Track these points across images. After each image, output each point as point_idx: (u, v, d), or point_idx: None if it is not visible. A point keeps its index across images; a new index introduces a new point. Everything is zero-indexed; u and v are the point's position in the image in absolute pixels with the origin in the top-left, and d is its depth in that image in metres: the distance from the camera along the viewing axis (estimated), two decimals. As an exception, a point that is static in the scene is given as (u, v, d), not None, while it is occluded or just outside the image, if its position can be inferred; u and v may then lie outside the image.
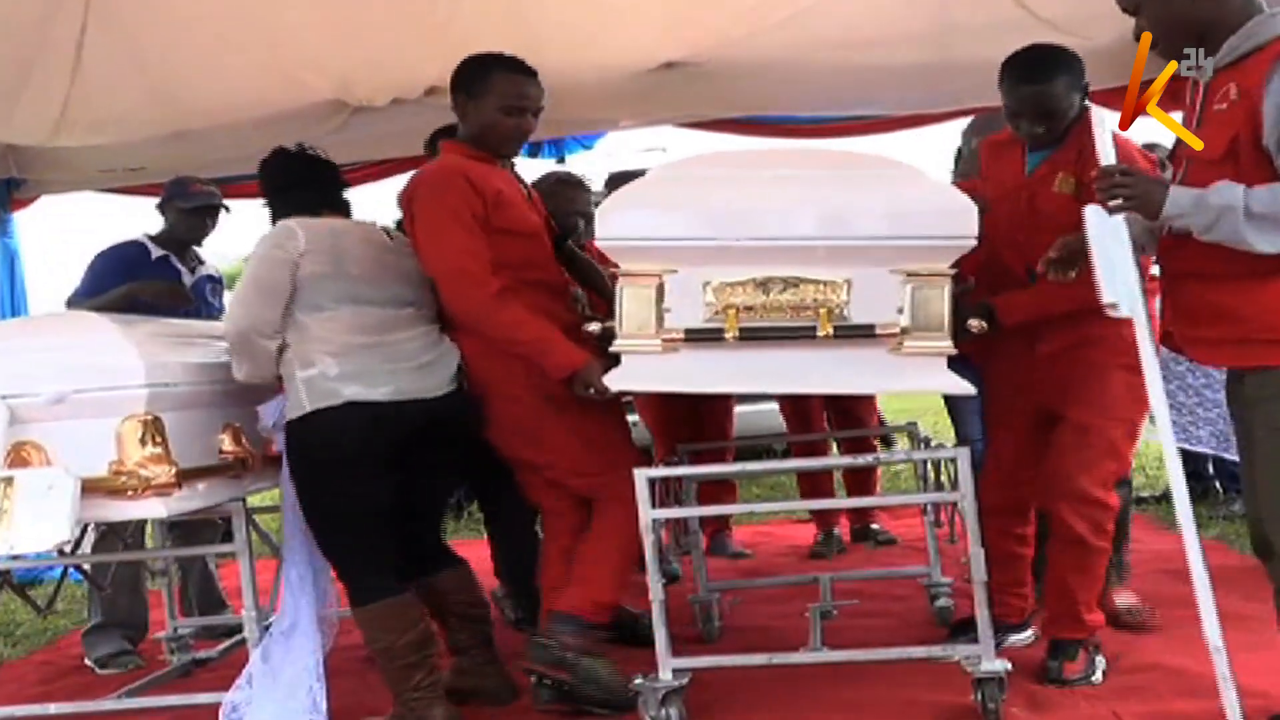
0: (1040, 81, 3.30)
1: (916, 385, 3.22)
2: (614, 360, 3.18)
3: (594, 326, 3.24)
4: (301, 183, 3.47)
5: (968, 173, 4.03)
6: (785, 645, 3.65)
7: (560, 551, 3.50)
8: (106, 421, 3.13)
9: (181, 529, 4.29)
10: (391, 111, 5.53)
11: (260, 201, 3.57)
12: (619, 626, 3.94)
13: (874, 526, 5.46)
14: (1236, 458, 2.90)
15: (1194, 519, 2.68)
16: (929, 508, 4.30)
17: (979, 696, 3.11)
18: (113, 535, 4.09)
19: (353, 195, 3.63)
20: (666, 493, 3.92)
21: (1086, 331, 3.27)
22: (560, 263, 3.62)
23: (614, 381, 3.17)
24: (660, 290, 3.12)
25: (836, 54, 5.28)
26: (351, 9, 4.79)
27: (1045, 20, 4.37)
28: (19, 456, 3.09)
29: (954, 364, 3.10)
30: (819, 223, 3.10)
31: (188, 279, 4.53)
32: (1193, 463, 5.06)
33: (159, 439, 3.16)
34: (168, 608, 4.34)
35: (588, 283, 3.73)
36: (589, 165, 7.03)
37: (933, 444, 4.26)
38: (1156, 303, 2.90)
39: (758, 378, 3.21)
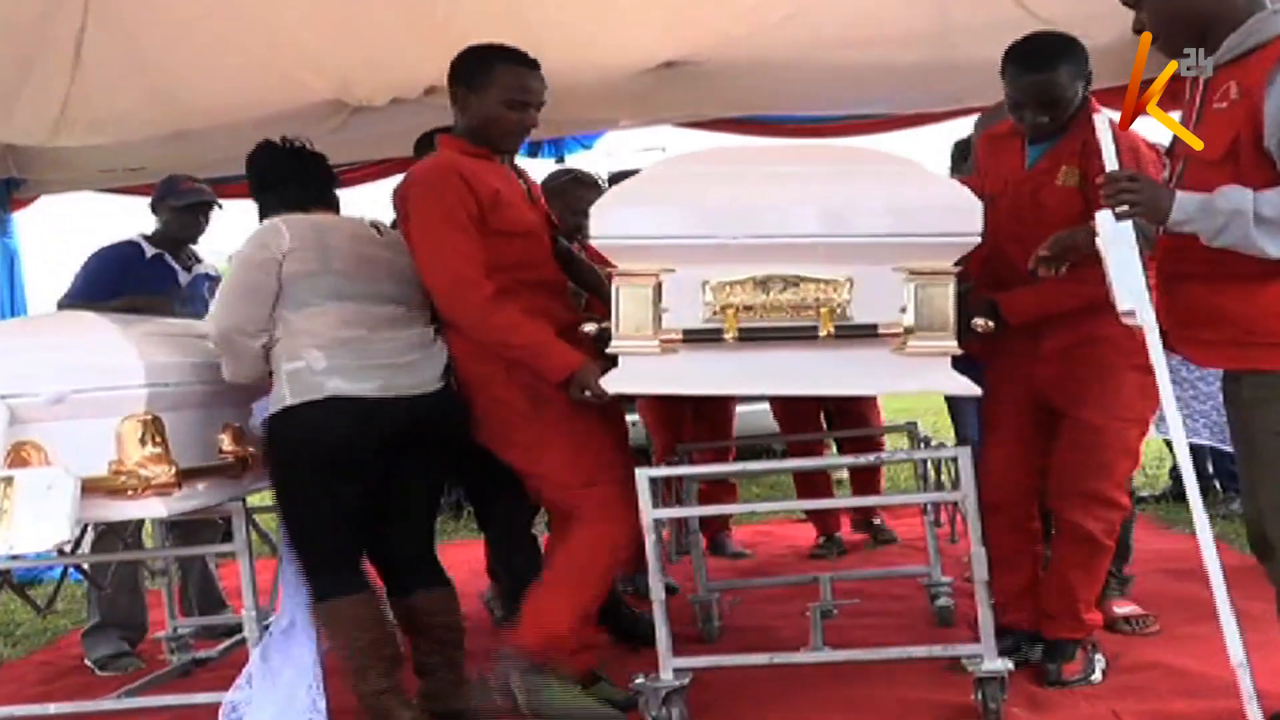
0: (1044, 70, 3.23)
1: (920, 386, 3.15)
2: (612, 361, 3.12)
3: (590, 327, 3.19)
4: (289, 178, 3.42)
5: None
6: (786, 645, 3.65)
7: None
8: (106, 421, 3.13)
9: (181, 529, 4.29)
10: (391, 111, 5.54)
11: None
12: (619, 628, 3.94)
13: (876, 521, 5.45)
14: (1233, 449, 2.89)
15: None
16: (929, 507, 4.30)
17: (979, 696, 3.10)
18: (112, 535, 4.09)
19: (352, 195, 3.60)
20: (668, 492, 3.93)
21: (1092, 329, 3.23)
22: (558, 262, 3.55)
23: (611, 384, 3.11)
24: (658, 290, 3.07)
25: (836, 53, 5.28)
26: (351, 9, 4.80)
27: (1045, 20, 4.37)
28: (19, 456, 3.09)
29: (956, 363, 3.06)
30: (820, 220, 3.05)
31: (183, 278, 4.52)
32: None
33: (159, 439, 3.16)
34: (167, 607, 4.34)
35: (583, 283, 3.68)
36: (588, 165, 7.01)
37: (933, 443, 4.25)
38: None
39: (758, 379, 3.16)
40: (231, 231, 4.84)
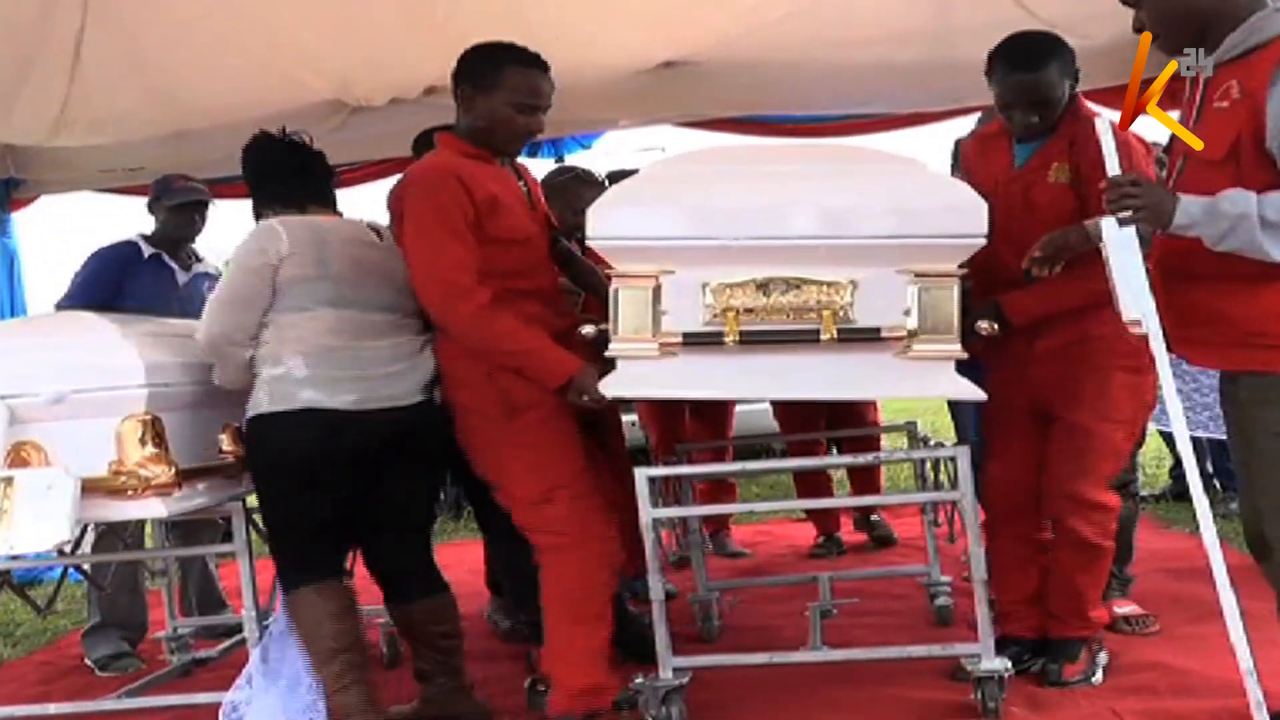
0: (1033, 69, 3.22)
1: (925, 391, 3.11)
2: (610, 365, 3.08)
3: (588, 329, 3.14)
4: (286, 173, 3.36)
5: None
6: (785, 644, 3.66)
7: None
8: (106, 421, 3.13)
9: (181, 529, 4.30)
10: (390, 111, 5.54)
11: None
12: (624, 641, 3.91)
13: (874, 519, 5.43)
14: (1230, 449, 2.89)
15: (1196, 522, 2.65)
16: (928, 507, 4.30)
17: (979, 695, 3.11)
18: (112, 535, 4.10)
19: (351, 195, 3.57)
20: (667, 492, 3.93)
21: (1086, 329, 3.23)
22: (556, 263, 3.52)
23: (609, 388, 3.06)
24: (657, 292, 3.02)
25: (835, 52, 5.29)
26: (350, 9, 4.79)
27: (1044, 20, 4.37)
28: (19, 456, 3.09)
29: (958, 366, 3.03)
30: (822, 221, 3.00)
31: (181, 277, 4.52)
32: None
33: (159, 439, 3.16)
34: (167, 608, 4.34)
35: (583, 284, 3.65)
36: (587, 165, 7.03)
37: (932, 443, 4.25)
38: None
39: (759, 383, 3.12)
40: (231, 232, 4.85)
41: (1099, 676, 3.35)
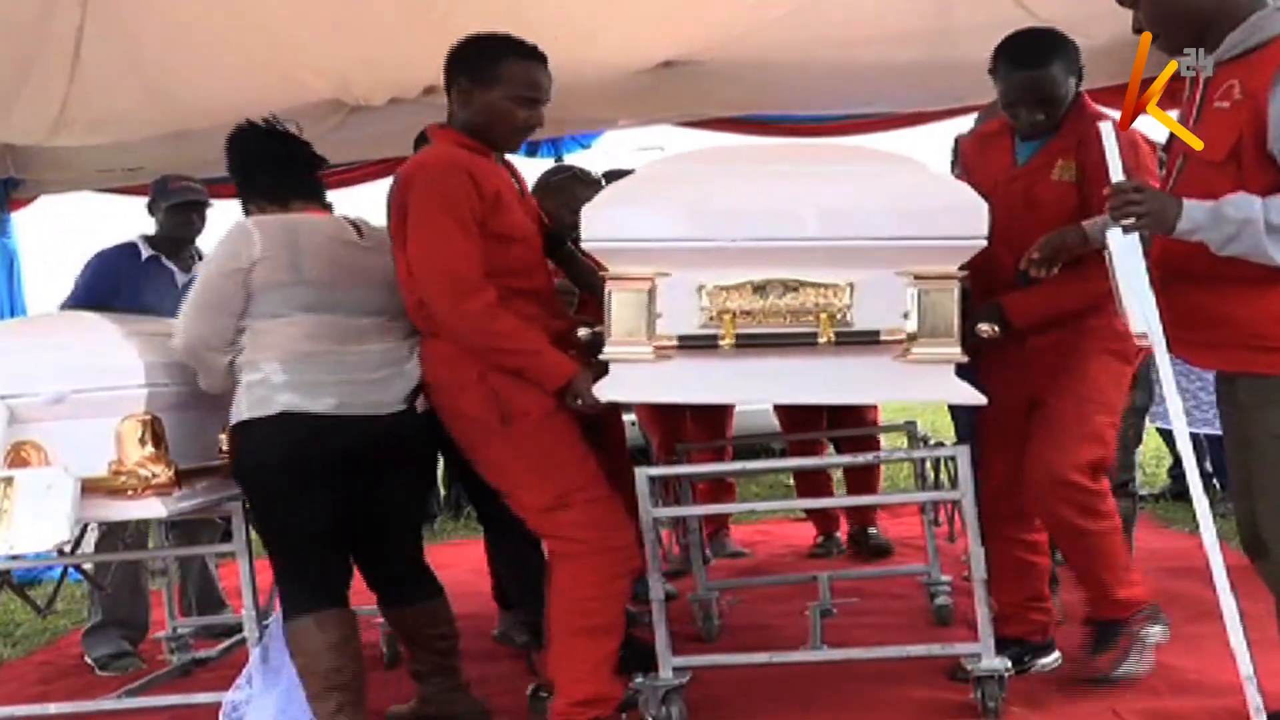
0: (1037, 66, 3.19)
1: (924, 395, 3.08)
2: (605, 368, 3.01)
3: (583, 332, 3.09)
4: (271, 165, 3.26)
5: None
6: (785, 644, 3.66)
7: None
8: (106, 421, 3.13)
9: (180, 528, 4.30)
10: (389, 111, 5.54)
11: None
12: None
13: (871, 530, 5.32)
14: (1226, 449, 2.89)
15: (1195, 521, 2.65)
16: (927, 506, 4.30)
17: (978, 694, 3.11)
18: (113, 535, 4.10)
19: (350, 195, 3.53)
20: (666, 492, 3.92)
21: (1079, 323, 3.21)
22: (558, 263, 3.49)
23: (603, 392, 2.99)
24: (651, 294, 2.97)
25: (836, 51, 5.29)
26: (350, 8, 4.79)
27: (1044, 19, 4.35)
28: (19, 456, 3.10)
29: (959, 367, 2.98)
30: (820, 222, 2.95)
31: (180, 278, 4.52)
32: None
33: (158, 439, 3.16)
34: (167, 607, 4.35)
35: (583, 284, 3.56)
36: (587, 165, 7.03)
37: (931, 442, 4.25)
38: None
39: (756, 387, 3.07)
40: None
41: (1140, 666, 3.24)
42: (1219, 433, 4.47)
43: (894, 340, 2.92)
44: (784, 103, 5.70)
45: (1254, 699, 2.57)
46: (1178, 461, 5.56)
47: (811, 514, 5.55)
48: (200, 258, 4.66)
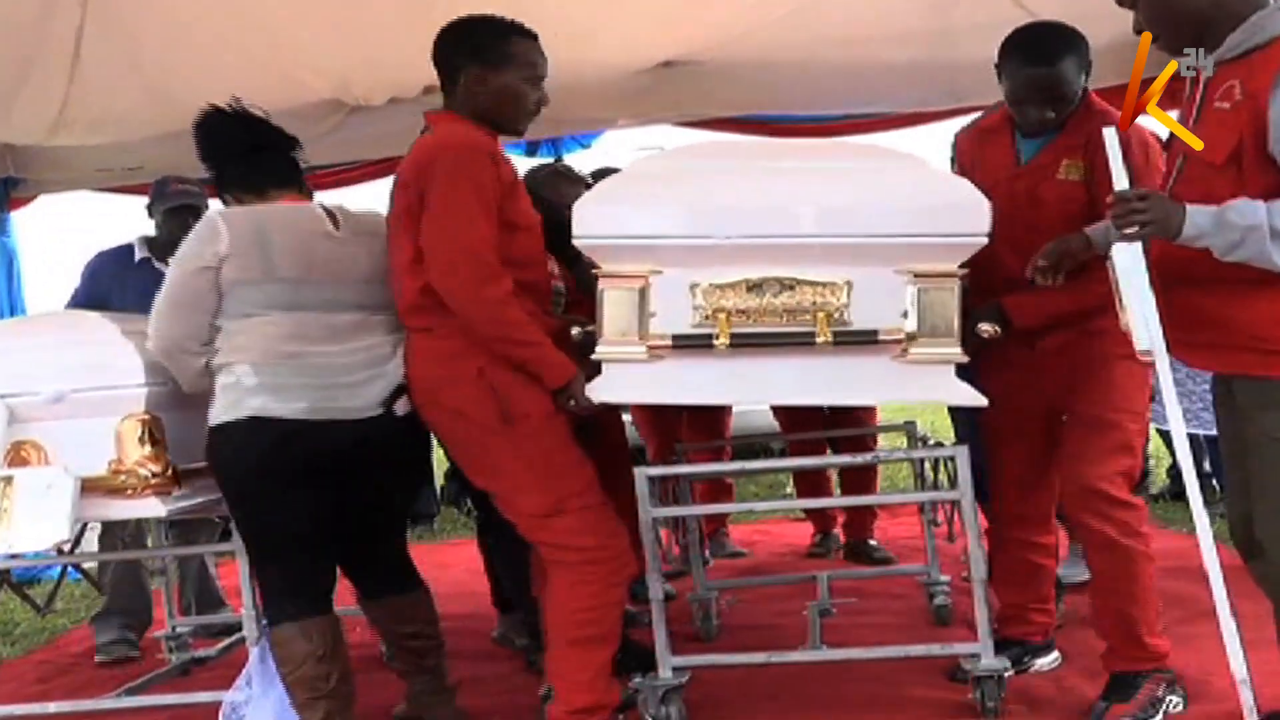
0: (1049, 63, 3.09)
1: (924, 396, 3.02)
2: (597, 368, 2.97)
3: (576, 332, 3.05)
4: (242, 153, 3.15)
5: None
6: (784, 644, 3.66)
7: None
8: (105, 420, 3.14)
9: (179, 528, 4.31)
10: (389, 110, 5.54)
11: None
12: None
13: (871, 542, 5.23)
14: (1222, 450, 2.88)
15: (1193, 522, 2.64)
16: (926, 506, 4.30)
17: (978, 694, 3.11)
18: (112, 534, 4.11)
19: (350, 195, 3.46)
20: (665, 493, 3.92)
21: (1089, 325, 3.12)
22: (566, 262, 3.44)
23: (596, 393, 2.94)
24: (645, 293, 2.92)
25: (835, 51, 5.28)
26: (349, 8, 4.79)
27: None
28: (18, 456, 3.11)
29: (959, 368, 2.94)
30: (817, 219, 2.90)
31: None
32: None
33: (157, 438, 3.17)
34: (166, 607, 4.35)
35: (586, 286, 3.41)
36: (587, 164, 7.04)
37: (930, 442, 4.25)
38: None
39: (751, 388, 3.01)
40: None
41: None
42: (1198, 432, 4.49)
43: (893, 340, 2.88)
44: (784, 103, 5.70)
45: (1247, 700, 2.57)
46: (1177, 462, 5.56)
47: (810, 512, 5.54)
48: None
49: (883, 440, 4.99)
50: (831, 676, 3.45)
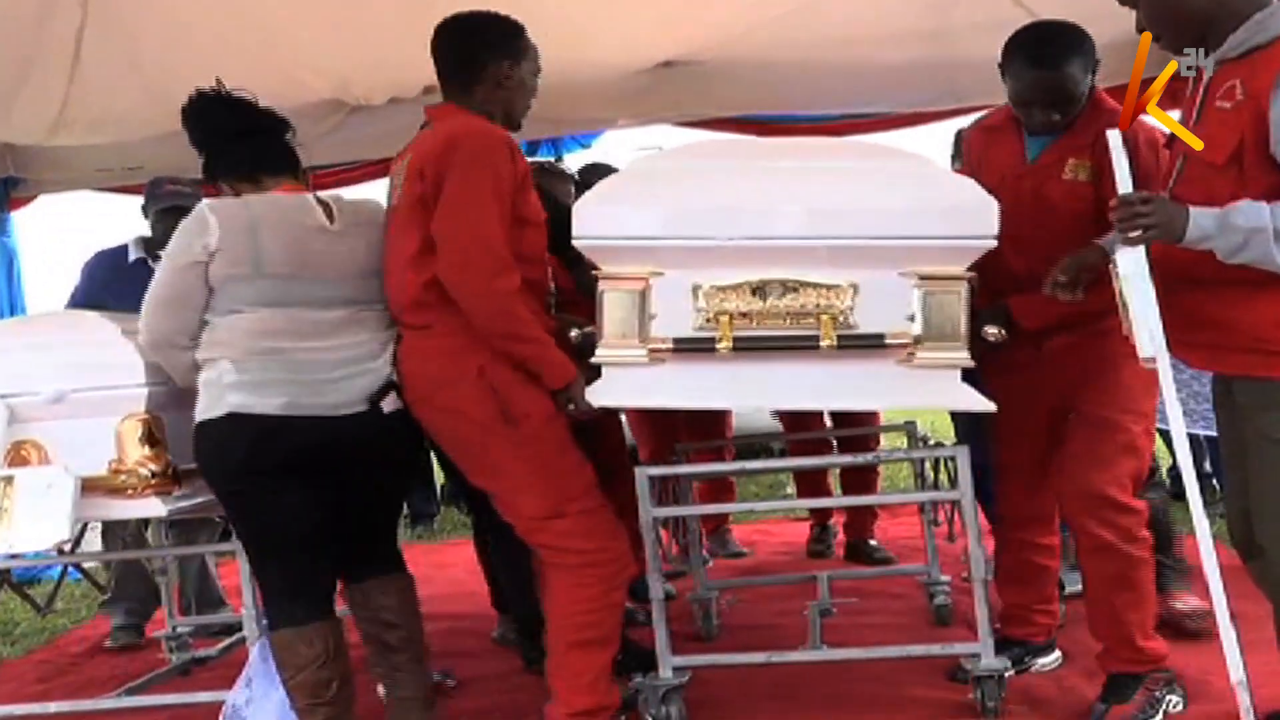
0: (1055, 65, 3.04)
1: (929, 401, 2.99)
2: (596, 372, 2.94)
3: (574, 334, 3.02)
4: (233, 140, 3.07)
5: None
6: (784, 643, 3.66)
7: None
8: (106, 420, 3.15)
9: (179, 527, 4.31)
10: (389, 110, 5.54)
11: None
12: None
13: (872, 543, 5.20)
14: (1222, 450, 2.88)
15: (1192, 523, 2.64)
16: (927, 506, 4.29)
17: (978, 694, 3.11)
18: (112, 533, 4.12)
19: (350, 195, 3.37)
20: (665, 493, 3.92)
21: (1096, 324, 3.05)
22: (567, 263, 3.41)
23: (595, 397, 2.91)
24: (645, 295, 2.88)
25: (835, 51, 5.28)
26: (349, 8, 4.79)
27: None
28: (19, 455, 3.12)
29: (964, 370, 2.90)
30: (821, 220, 2.85)
31: None
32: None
33: (158, 438, 3.17)
34: (167, 607, 4.35)
35: (586, 288, 3.33)
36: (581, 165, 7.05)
37: (931, 442, 4.25)
38: None
39: (754, 392, 2.97)
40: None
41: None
42: (1202, 432, 4.47)
43: (898, 344, 2.84)
44: (784, 103, 5.70)
45: (1244, 701, 2.57)
46: (1177, 462, 5.55)
47: (811, 509, 5.52)
48: None
49: (883, 440, 4.98)
50: (832, 676, 3.45)
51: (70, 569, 4.47)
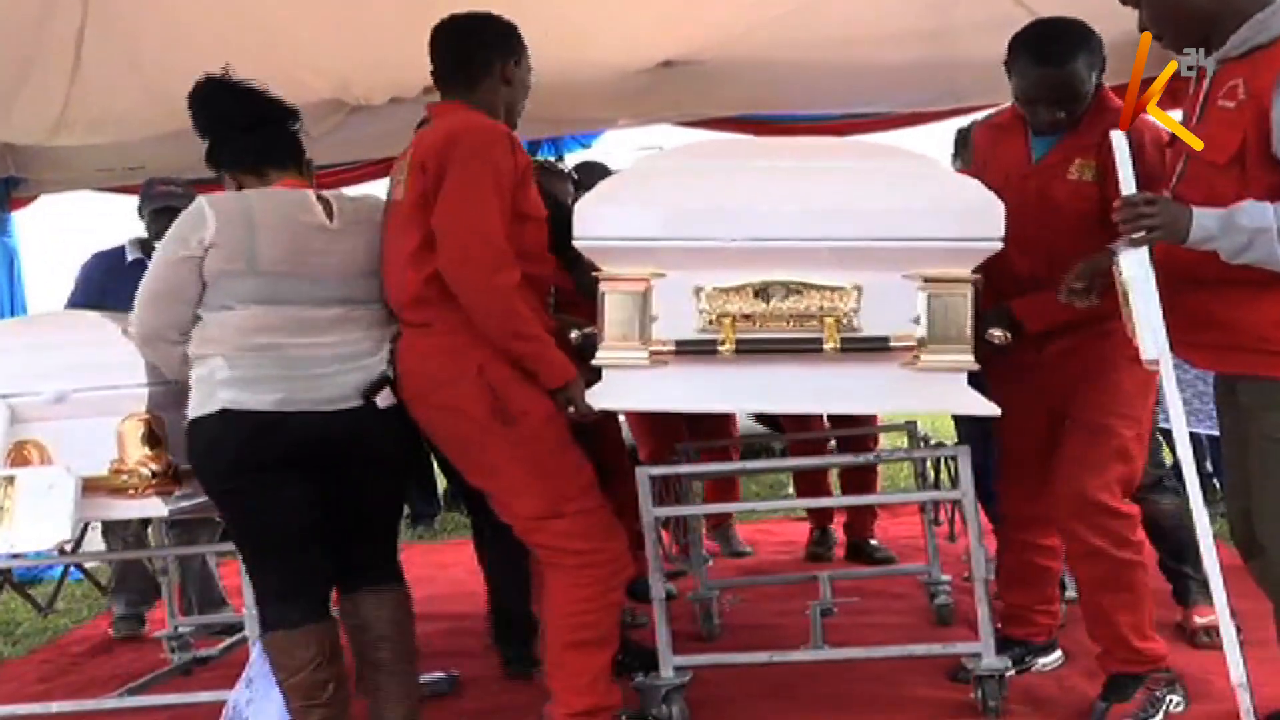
0: (1060, 63, 3.00)
1: (935, 405, 2.96)
2: (596, 374, 2.92)
3: (575, 335, 3.00)
4: (239, 131, 3.03)
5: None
6: (785, 643, 3.66)
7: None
8: (107, 420, 3.15)
9: (180, 527, 4.32)
10: (390, 110, 5.55)
11: None
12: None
13: (873, 542, 5.17)
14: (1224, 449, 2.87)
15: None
16: (928, 506, 4.29)
17: (979, 694, 3.11)
18: (112, 532, 4.12)
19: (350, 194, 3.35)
20: (666, 492, 3.91)
21: (1099, 326, 3.01)
22: (565, 262, 3.35)
23: (595, 399, 2.88)
24: (647, 296, 2.85)
25: (836, 51, 5.28)
26: (350, 8, 4.79)
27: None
28: (20, 455, 3.12)
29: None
30: (826, 221, 2.81)
31: None
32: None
33: (159, 438, 3.18)
34: (168, 606, 4.35)
35: (586, 288, 3.30)
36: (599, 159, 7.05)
37: (931, 442, 4.25)
38: None
39: (756, 396, 2.93)
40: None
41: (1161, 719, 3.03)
42: (1209, 432, 4.44)
43: (903, 347, 2.80)
44: (784, 102, 5.70)
45: (1245, 704, 2.57)
46: (1178, 461, 5.55)
47: (810, 510, 5.51)
48: None
49: (884, 439, 4.98)
50: (833, 676, 3.45)
51: (72, 569, 4.47)
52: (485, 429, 2.92)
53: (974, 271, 2.85)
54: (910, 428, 4.35)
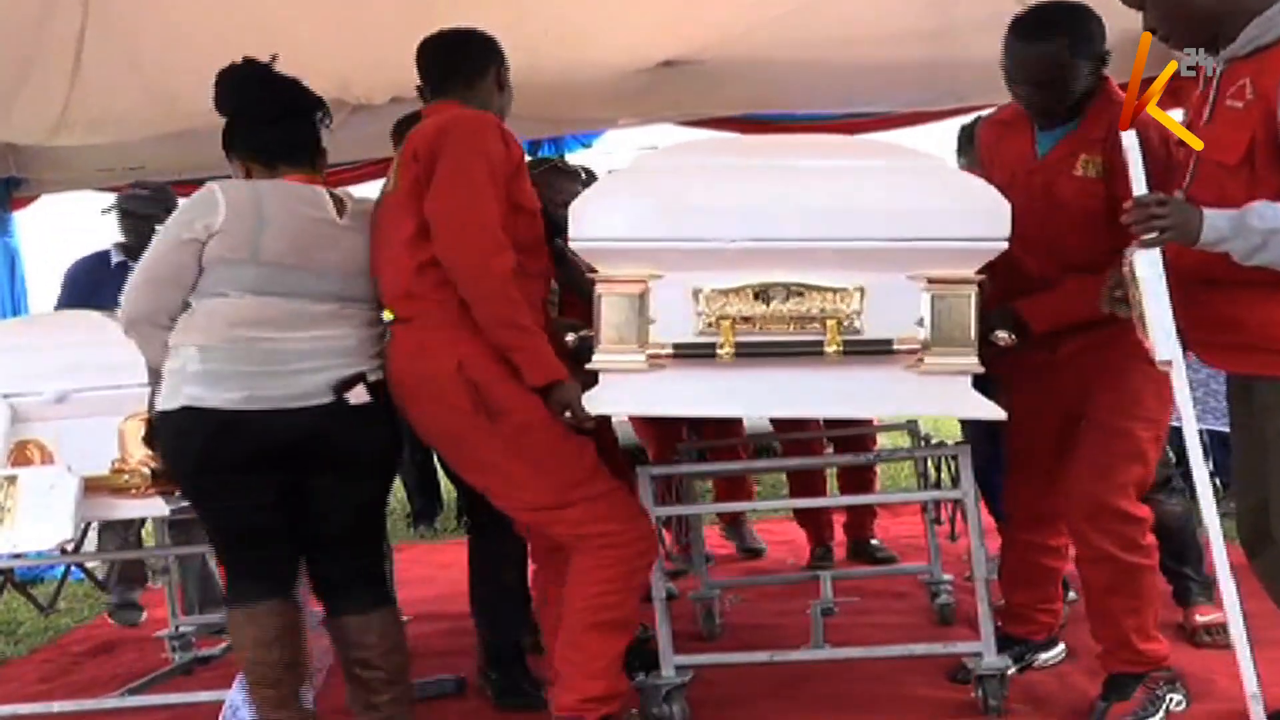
0: (1040, 41, 2.93)
1: (939, 409, 2.89)
2: (593, 377, 2.87)
3: (570, 337, 2.97)
4: (263, 123, 3.02)
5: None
6: (787, 643, 3.67)
7: (553, 580, 3.13)
8: (108, 420, 3.15)
9: (180, 527, 4.32)
10: (391, 110, 5.52)
11: None
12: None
13: (873, 541, 5.14)
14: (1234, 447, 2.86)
15: (1199, 519, 2.62)
16: (929, 505, 4.29)
17: (980, 693, 3.11)
18: (112, 531, 4.13)
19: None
20: (666, 492, 3.91)
21: (1110, 326, 2.87)
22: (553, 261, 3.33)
23: (592, 404, 2.83)
24: (644, 298, 2.79)
25: (836, 51, 5.28)
26: (350, 8, 4.80)
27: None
28: (22, 455, 3.13)
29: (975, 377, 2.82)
30: (826, 221, 2.76)
31: None
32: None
33: (160, 438, 3.17)
34: (169, 605, 4.36)
35: (575, 288, 3.32)
36: (588, 165, 7.05)
37: (933, 441, 4.25)
38: None
39: (756, 400, 2.88)
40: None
41: (1161, 718, 3.00)
42: (1221, 429, 4.42)
43: (907, 349, 2.75)
44: (784, 102, 5.70)
45: (1258, 714, 2.55)
46: (1179, 460, 5.54)
47: (805, 523, 5.26)
48: None
49: (884, 439, 4.97)
50: (834, 675, 3.45)
51: (73, 568, 4.48)
52: (472, 424, 2.89)
53: (979, 272, 2.81)
54: (911, 427, 4.35)
